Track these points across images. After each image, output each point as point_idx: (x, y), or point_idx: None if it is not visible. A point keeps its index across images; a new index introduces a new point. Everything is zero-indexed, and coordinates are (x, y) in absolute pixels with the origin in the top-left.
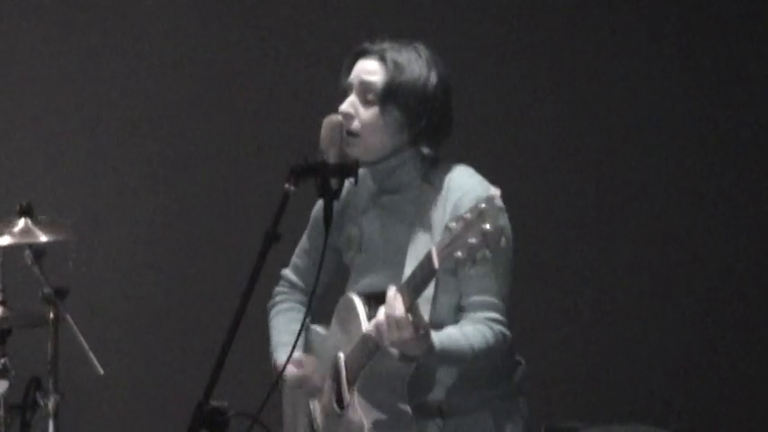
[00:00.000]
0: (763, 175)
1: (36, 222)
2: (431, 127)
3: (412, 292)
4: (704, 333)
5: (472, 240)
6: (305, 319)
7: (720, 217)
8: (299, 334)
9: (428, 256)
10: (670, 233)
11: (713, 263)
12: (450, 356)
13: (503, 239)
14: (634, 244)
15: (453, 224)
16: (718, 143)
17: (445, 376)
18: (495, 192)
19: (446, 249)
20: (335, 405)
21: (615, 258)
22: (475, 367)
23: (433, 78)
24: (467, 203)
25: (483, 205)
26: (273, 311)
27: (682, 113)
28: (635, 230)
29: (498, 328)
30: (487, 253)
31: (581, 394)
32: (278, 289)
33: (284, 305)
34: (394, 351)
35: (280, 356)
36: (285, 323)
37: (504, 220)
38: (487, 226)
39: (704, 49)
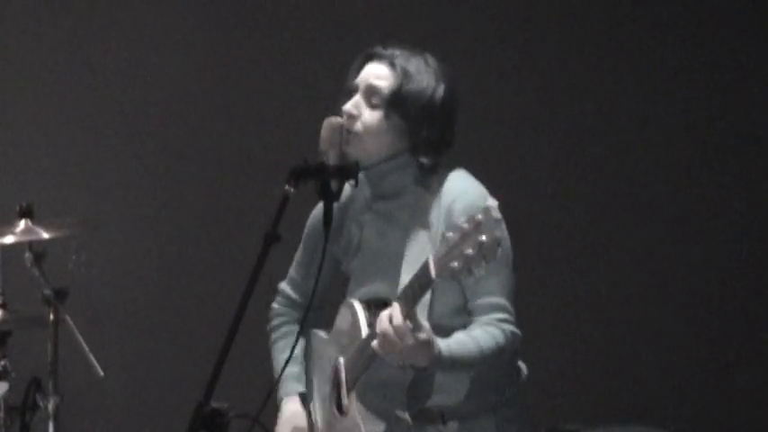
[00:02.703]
0: (763, 175)
1: (36, 223)
2: (432, 138)
3: (409, 300)
4: (704, 333)
5: (469, 251)
6: (296, 340)
7: (720, 217)
8: (288, 359)
9: (425, 266)
10: (670, 234)
11: (713, 263)
12: (460, 361)
13: (499, 250)
14: (634, 245)
15: (450, 234)
16: (718, 143)
17: (449, 382)
18: (492, 203)
19: (443, 259)
20: (335, 410)
21: (615, 260)
22: (483, 371)
23: (440, 90)
24: (458, 208)
25: (480, 216)
26: (272, 338)
27: (682, 114)
28: (635, 232)
29: (508, 327)
30: (484, 264)
31: (581, 396)
32: (275, 308)
33: (282, 330)
34: (399, 363)
35: (283, 392)
36: (284, 351)
37: (500, 232)
38: (484, 237)
39: (704, 49)
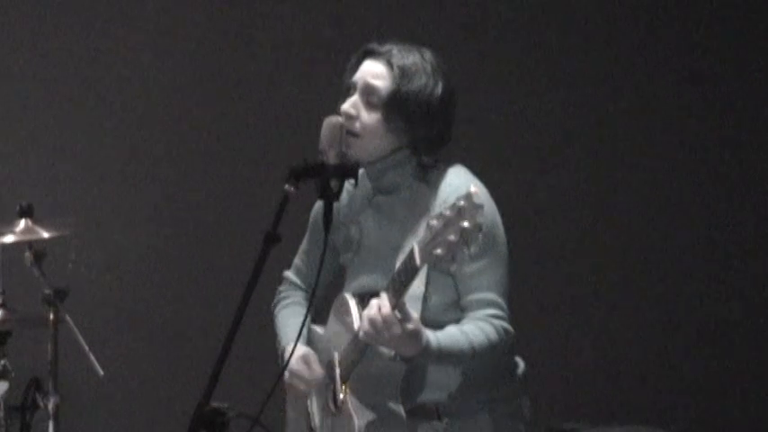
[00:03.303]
0: (763, 176)
1: (36, 223)
2: (431, 135)
3: (397, 290)
4: (704, 333)
5: (451, 237)
6: (307, 313)
7: (720, 217)
8: (302, 327)
9: (411, 254)
10: (670, 234)
11: (713, 263)
12: (449, 355)
13: (480, 235)
14: (634, 244)
15: (434, 222)
16: (718, 143)
17: (443, 377)
18: (474, 189)
19: (427, 247)
20: (331, 404)
21: (615, 258)
22: (477, 366)
23: (439, 88)
24: (452, 202)
25: (462, 203)
26: (278, 308)
27: (681, 113)
28: (635, 231)
29: (499, 323)
30: (466, 251)
31: (581, 394)
32: (280, 288)
33: (288, 300)
34: (387, 351)
35: (288, 349)
36: (290, 317)
37: (482, 218)
38: (465, 223)
39: (704, 49)
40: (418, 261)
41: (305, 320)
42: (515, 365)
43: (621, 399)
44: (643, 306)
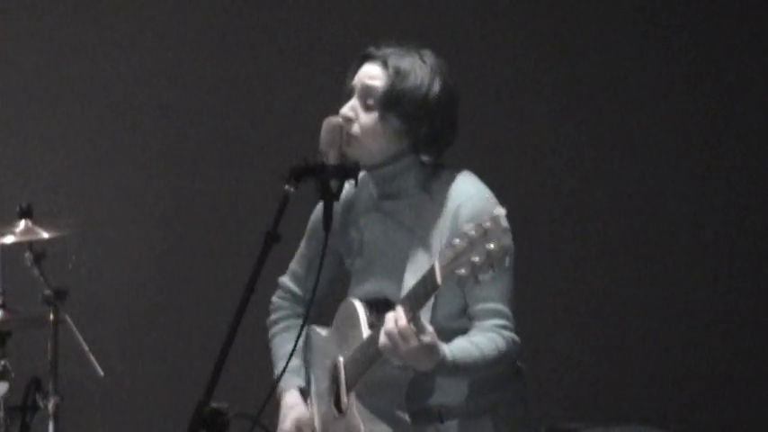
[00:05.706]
0: (763, 176)
1: (36, 223)
2: (431, 135)
3: (414, 304)
4: (704, 333)
5: (475, 259)
6: (300, 333)
7: (720, 217)
8: (291, 352)
9: (431, 272)
10: (670, 234)
11: (713, 263)
12: (463, 367)
13: (507, 258)
14: (634, 245)
15: (457, 241)
16: (718, 143)
17: (447, 381)
18: (500, 211)
19: (449, 266)
20: (334, 409)
21: (615, 259)
22: (485, 374)
23: (436, 86)
24: (465, 213)
25: (488, 224)
26: (272, 331)
27: (681, 113)
28: (635, 232)
29: (508, 334)
30: (491, 272)
31: (581, 394)
32: (275, 301)
33: (283, 324)
34: (397, 363)
35: (284, 385)
36: (285, 345)
37: (508, 240)
38: (492, 246)
39: (704, 49)
40: (439, 280)
41: (294, 348)
42: (517, 370)
43: (621, 399)
44: (643, 306)
